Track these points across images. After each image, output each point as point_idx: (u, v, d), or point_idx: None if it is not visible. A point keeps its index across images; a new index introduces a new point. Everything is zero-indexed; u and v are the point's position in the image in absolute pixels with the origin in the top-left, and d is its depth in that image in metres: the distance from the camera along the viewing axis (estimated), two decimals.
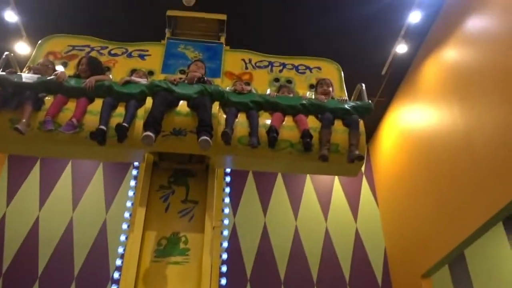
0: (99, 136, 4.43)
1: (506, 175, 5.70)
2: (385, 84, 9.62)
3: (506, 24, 6.05)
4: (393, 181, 9.88)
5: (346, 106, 5.05)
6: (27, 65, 5.50)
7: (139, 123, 4.59)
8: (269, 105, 5.01)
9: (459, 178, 6.94)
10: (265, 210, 10.11)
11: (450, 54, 7.63)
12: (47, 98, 4.74)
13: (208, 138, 4.36)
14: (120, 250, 5.84)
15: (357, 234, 10.02)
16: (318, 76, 5.91)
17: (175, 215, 5.02)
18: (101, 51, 5.88)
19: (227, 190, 6.44)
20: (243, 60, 6.08)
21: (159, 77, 5.56)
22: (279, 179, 10.54)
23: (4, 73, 4.76)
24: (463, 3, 7.38)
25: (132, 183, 6.17)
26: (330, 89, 5.51)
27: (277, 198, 10.31)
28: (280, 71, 6.03)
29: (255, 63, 6.06)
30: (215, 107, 4.78)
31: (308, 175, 10.49)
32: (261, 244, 9.66)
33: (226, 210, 6.26)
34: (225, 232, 6.23)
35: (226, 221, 6.21)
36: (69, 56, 5.78)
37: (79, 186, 10.00)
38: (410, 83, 9.23)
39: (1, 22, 8.09)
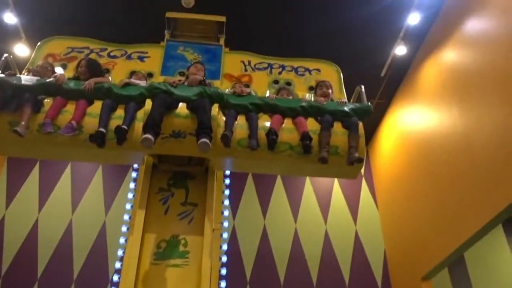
0: (98, 139, 4.42)
1: (505, 177, 5.70)
2: (384, 86, 9.62)
3: (505, 26, 6.06)
4: (392, 183, 9.87)
5: (345, 108, 5.05)
6: (26, 67, 5.50)
7: (138, 125, 4.59)
8: (269, 107, 5.01)
9: (459, 180, 6.93)
10: (264, 213, 10.10)
11: (449, 56, 7.64)
12: (46, 100, 4.73)
13: (207, 141, 4.36)
14: (120, 252, 5.85)
15: (356, 236, 10.01)
16: (318, 78, 5.91)
17: (174, 217, 5.02)
18: (100, 53, 5.87)
19: (227, 192, 6.44)
20: (243, 62, 6.08)
21: (158, 79, 5.55)
22: (279, 182, 10.54)
23: (3, 75, 4.76)
24: (462, 5, 7.39)
25: (132, 185, 6.17)
26: (330, 91, 5.50)
27: (277, 201, 10.30)
28: (280, 73, 6.03)
29: (255, 65, 6.06)
30: (215, 109, 4.78)
31: (307, 177, 10.48)
32: (260, 246, 9.65)
33: (226, 213, 6.25)
34: (225, 235, 6.22)
35: (225, 224, 6.21)
36: (68, 58, 5.77)
37: (79, 188, 9.98)
38: (410, 85, 9.23)
39: (0, 24, 8.08)
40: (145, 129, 4.37)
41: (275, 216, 10.10)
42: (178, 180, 5.32)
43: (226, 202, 6.37)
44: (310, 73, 6.07)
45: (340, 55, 7.12)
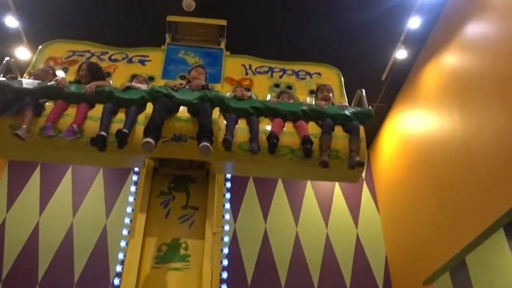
0: (99, 142, 4.43)
1: (506, 181, 5.69)
2: (385, 90, 9.63)
3: (505, 30, 6.06)
4: (393, 187, 9.86)
5: (346, 112, 5.05)
6: (27, 70, 5.51)
7: (139, 129, 4.59)
8: (270, 111, 5.00)
9: (460, 183, 6.93)
10: (265, 216, 10.09)
11: (449, 60, 7.64)
12: (47, 104, 4.74)
13: (208, 144, 4.35)
14: (121, 256, 5.84)
15: (358, 240, 9.99)
16: (318, 82, 5.91)
17: (175, 221, 5.02)
18: (102, 57, 5.88)
19: (228, 196, 6.44)
20: (243, 65, 6.09)
21: (159, 82, 5.56)
22: (280, 185, 10.53)
23: (4, 78, 4.77)
24: (462, 9, 7.40)
25: (133, 188, 6.17)
26: (331, 95, 5.51)
27: (278, 204, 10.29)
28: (280, 76, 6.04)
29: (255, 69, 6.06)
30: (216, 113, 4.78)
31: (308, 180, 10.47)
32: (261, 250, 9.63)
33: (227, 216, 6.26)
34: (226, 238, 6.23)
35: (226, 227, 6.22)
36: (70, 62, 5.79)
37: (80, 191, 9.98)
38: (410, 89, 9.23)
39: (1, 27, 8.10)
40: (146, 133, 4.36)
41: (276, 219, 10.09)
42: (179, 184, 5.32)
43: (227, 206, 6.37)
44: (311, 77, 6.08)
45: (341, 59, 7.13)
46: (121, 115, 4.73)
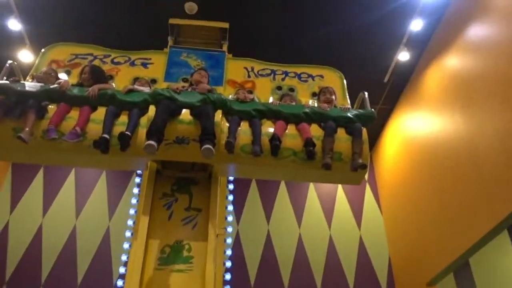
0: (102, 145, 4.44)
1: (509, 182, 5.68)
2: (387, 92, 9.62)
3: (507, 32, 6.06)
4: (396, 189, 9.85)
5: (349, 114, 5.05)
6: (30, 73, 5.53)
7: (142, 131, 4.60)
8: (272, 114, 5.01)
9: (463, 185, 6.92)
10: (268, 218, 10.08)
11: (452, 62, 7.63)
12: (50, 106, 4.76)
13: (211, 147, 4.36)
14: (124, 257, 5.85)
15: (361, 241, 9.98)
16: (321, 84, 5.92)
17: (178, 222, 5.02)
18: (104, 60, 5.90)
19: (230, 197, 6.44)
20: (246, 68, 6.10)
21: (162, 85, 5.57)
22: (282, 187, 10.52)
23: (7, 81, 4.79)
24: (464, 11, 7.39)
25: (135, 190, 6.18)
26: (333, 97, 5.51)
27: (281, 206, 10.28)
28: (283, 79, 6.04)
29: (258, 71, 6.07)
30: (218, 115, 4.79)
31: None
32: (264, 251, 9.62)
33: (230, 218, 6.25)
34: (229, 240, 6.22)
35: (229, 229, 6.20)
36: (72, 65, 5.81)
37: (83, 193, 9.99)
38: (413, 91, 9.22)
39: (5, 30, 8.13)
40: (148, 136, 4.38)
41: (279, 221, 10.08)
42: (182, 186, 5.32)
43: (230, 208, 6.37)
44: (313, 79, 6.08)
45: (343, 61, 7.14)
46: (123, 118, 4.73)
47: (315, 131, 4.89)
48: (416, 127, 9.09)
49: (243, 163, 4.87)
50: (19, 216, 9.59)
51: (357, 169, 4.70)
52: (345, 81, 6.07)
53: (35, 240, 9.32)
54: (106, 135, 4.47)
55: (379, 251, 9.87)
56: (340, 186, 10.60)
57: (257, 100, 5.41)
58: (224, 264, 5.95)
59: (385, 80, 9.26)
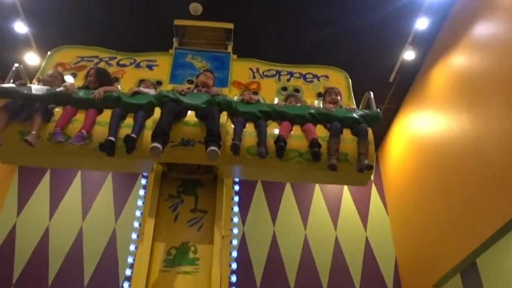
0: (108, 148, 4.45)
1: None
2: (393, 91, 9.59)
3: None
4: (402, 189, 9.81)
5: (354, 115, 5.04)
6: (36, 76, 5.56)
7: (147, 133, 4.60)
8: (277, 115, 5.00)
9: (470, 185, 6.88)
10: (274, 219, 10.07)
11: (457, 60, 7.60)
12: (56, 109, 4.77)
13: (216, 149, 4.36)
14: (130, 259, 5.87)
15: (367, 242, 9.94)
16: (326, 85, 5.90)
17: (184, 224, 5.02)
18: (110, 62, 5.91)
19: (236, 199, 6.45)
20: (251, 69, 6.09)
21: (167, 87, 5.58)
22: (288, 188, 10.51)
23: (14, 85, 4.81)
24: (470, 9, 7.36)
25: (141, 192, 6.20)
26: (338, 97, 5.49)
27: (286, 207, 10.27)
28: (288, 80, 6.03)
29: (263, 72, 6.06)
30: (223, 117, 4.79)
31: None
32: (270, 253, 9.61)
33: (235, 219, 6.26)
34: (234, 242, 6.23)
35: (235, 231, 6.21)
36: (78, 67, 5.83)
37: (89, 196, 10.03)
38: (418, 90, 9.19)
39: (11, 33, 8.17)
40: (154, 138, 4.38)
41: (285, 222, 10.07)
42: (188, 188, 5.33)
43: (236, 209, 6.38)
44: (318, 80, 6.06)
45: (348, 61, 7.13)
46: (129, 120, 4.74)
47: (320, 132, 4.87)
48: (422, 127, 9.05)
49: (248, 165, 4.86)
50: (26, 219, 9.64)
51: (363, 170, 4.68)
52: (350, 82, 6.04)
53: (42, 242, 9.36)
54: (112, 138, 4.47)
55: (385, 252, 9.84)
56: (346, 186, 10.57)
57: (262, 101, 5.41)
58: (230, 265, 5.97)
59: (391, 79, 9.23)
